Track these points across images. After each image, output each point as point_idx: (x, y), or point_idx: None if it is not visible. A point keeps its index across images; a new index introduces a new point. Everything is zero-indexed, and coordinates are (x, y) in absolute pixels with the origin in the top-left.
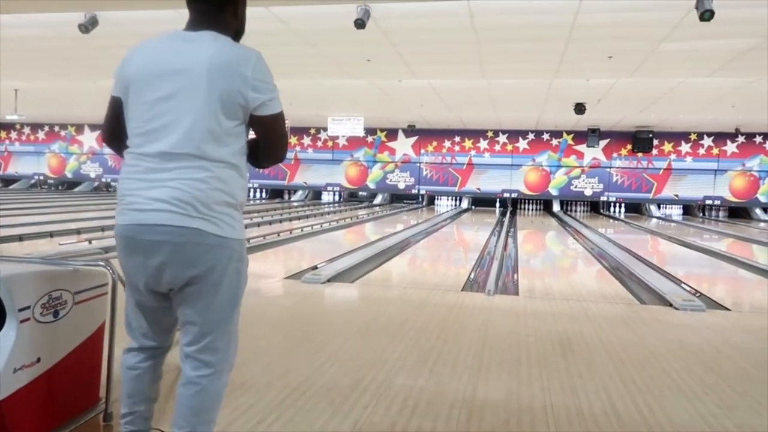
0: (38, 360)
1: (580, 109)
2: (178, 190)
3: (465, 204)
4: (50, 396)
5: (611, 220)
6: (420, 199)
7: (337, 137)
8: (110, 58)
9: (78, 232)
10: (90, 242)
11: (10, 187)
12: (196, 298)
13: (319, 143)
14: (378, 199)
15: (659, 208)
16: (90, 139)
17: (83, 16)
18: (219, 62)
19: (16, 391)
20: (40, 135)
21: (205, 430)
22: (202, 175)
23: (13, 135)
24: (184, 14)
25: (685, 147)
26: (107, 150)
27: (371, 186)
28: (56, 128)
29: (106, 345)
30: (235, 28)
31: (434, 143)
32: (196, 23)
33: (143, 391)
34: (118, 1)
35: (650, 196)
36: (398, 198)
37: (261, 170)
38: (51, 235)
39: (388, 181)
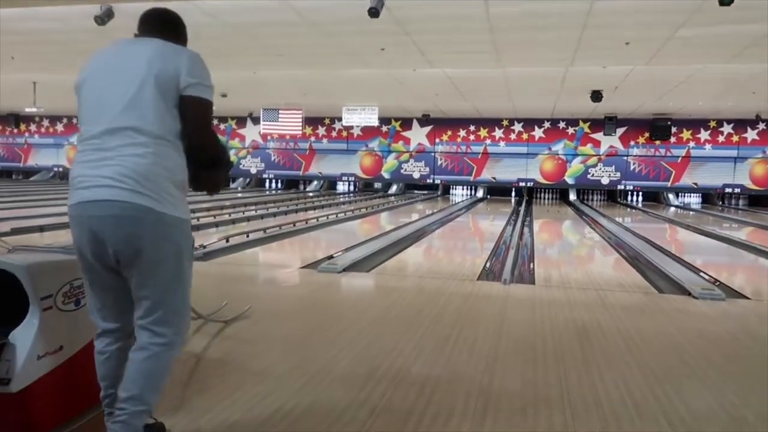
0: (60, 348)
1: (596, 96)
2: (121, 166)
3: (480, 193)
4: (72, 383)
5: (629, 209)
6: (435, 189)
7: (351, 127)
8: None
9: None
10: None
11: (31, 179)
12: (141, 274)
13: (334, 133)
14: (393, 189)
15: (678, 196)
16: None
17: (99, 8)
18: (160, 51)
19: (39, 378)
20: (59, 127)
21: (151, 397)
22: (143, 151)
23: (33, 127)
24: (197, 5)
25: (704, 134)
26: None
27: (386, 176)
28: (74, 120)
29: None
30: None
31: (449, 132)
32: (145, 34)
33: (115, 373)
34: None
35: (668, 184)
36: (411, 187)
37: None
38: None
39: (402, 171)
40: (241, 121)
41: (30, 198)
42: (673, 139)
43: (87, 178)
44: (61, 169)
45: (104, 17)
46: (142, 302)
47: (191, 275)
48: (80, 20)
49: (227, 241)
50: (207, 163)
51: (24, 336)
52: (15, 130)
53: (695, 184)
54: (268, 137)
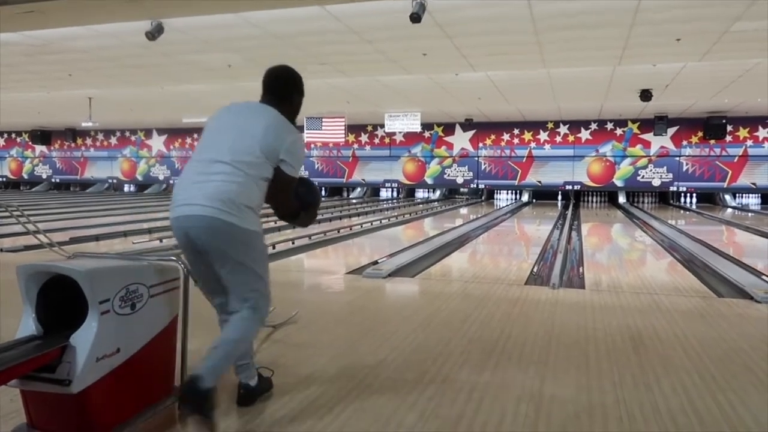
0: (118, 350)
1: (646, 95)
2: (214, 189)
3: (525, 197)
4: (129, 385)
5: (682, 211)
6: (479, 194)
7: (394, 133)
8: (176, 64)
9: (150, 231)
10: (161, 241)
11: (87, 190)
12: (228, 267)
13: (376, 140)
14: (436, 195)
15: (735, 197)
16: (158, 143)
17: (150, 24)
18: (275, 126)
19: (98, 380)
20: (113, 140)
21: (234, 348)
22: (232, 180)
23: (88, 141)
24: (244, 17)
25: (762, 132)
26: (174, 153)
27: (429, 181)
28: (127, 133)
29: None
30: (290, 113)
31: (492, 136)
32: (265, 102)
33: None
34: (182, 2)
35: (724, 185)
36: (452, 192)
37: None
38: (125, 234)
39: (446, 176)
40: None
41: (86, 209)
42: (728, 138)
43: (189, 196)
44: (115, 181)
45: (155, 33)
46: (234, 287)
47: (267, 259)
48: (132, 36)
49: (273, 247)
50: (283, 217)
51: (84, 339)
52: (72, 144)
53: (754, 184)
54: (312, 145)
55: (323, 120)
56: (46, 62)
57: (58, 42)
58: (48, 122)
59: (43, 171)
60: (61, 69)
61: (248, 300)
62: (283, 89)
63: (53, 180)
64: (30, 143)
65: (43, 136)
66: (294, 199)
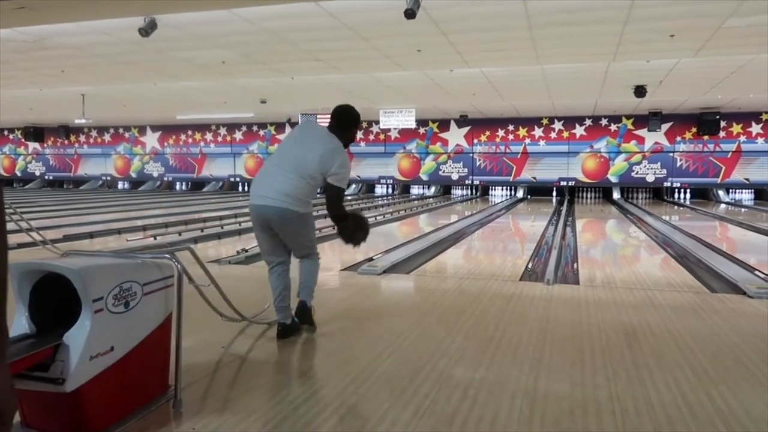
0: (112, 349)
1: (640, 92)
2: (284, 188)
3: (520, 194)
4: (123, 383)
5: (676, 207)
6: (474, 190)
7: (389, 130)
8: (170, 60)
9: (144, 228)
10: (155, 238)
11: (81, 188)
12: (290, 237)
13: (371, 136)
14: (431, 191)
15: (728, 192)
16: (152, 140)
17: (143, 20)
18: (328, 155)
19: (92, 378)
20: (106, 137)
21: (312, 284)
22: (295, 183)
23: (82, 138)
24: (237, 13)
25: (755, 128)
26: (168, 150)
27: (424, 178)
28: (121, 130)
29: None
30: (346, 139)
31: (487, 133)
32: (330, 129)
33: (283, 282)
34: (176, 2)
35: (718, 180)
36: (448, 189)
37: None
38: (119, 232)
39: (441, 173)
40: (280, 127)
41: (80, 206)
42: (722, 134)
43: (265, 190)
44: (108, 178)
45: (148, 29)
46: (295, 249)
47: (314, 227)
48: (125, 32)
49: None
50: (333, 217)
51: (77, 337)
52: (65, 141)
53: (747, 179)
54: None
55: (317, 116)
56: (39, 59)
57: (50, 38)
58: (41, 119)
59: (36, 168)
60: (53, 65)
61: (306, 254)
62: (344, 123)
63: (46, 177)
64: (23, 140)
65: (36, 133)
66: (341, 207)
